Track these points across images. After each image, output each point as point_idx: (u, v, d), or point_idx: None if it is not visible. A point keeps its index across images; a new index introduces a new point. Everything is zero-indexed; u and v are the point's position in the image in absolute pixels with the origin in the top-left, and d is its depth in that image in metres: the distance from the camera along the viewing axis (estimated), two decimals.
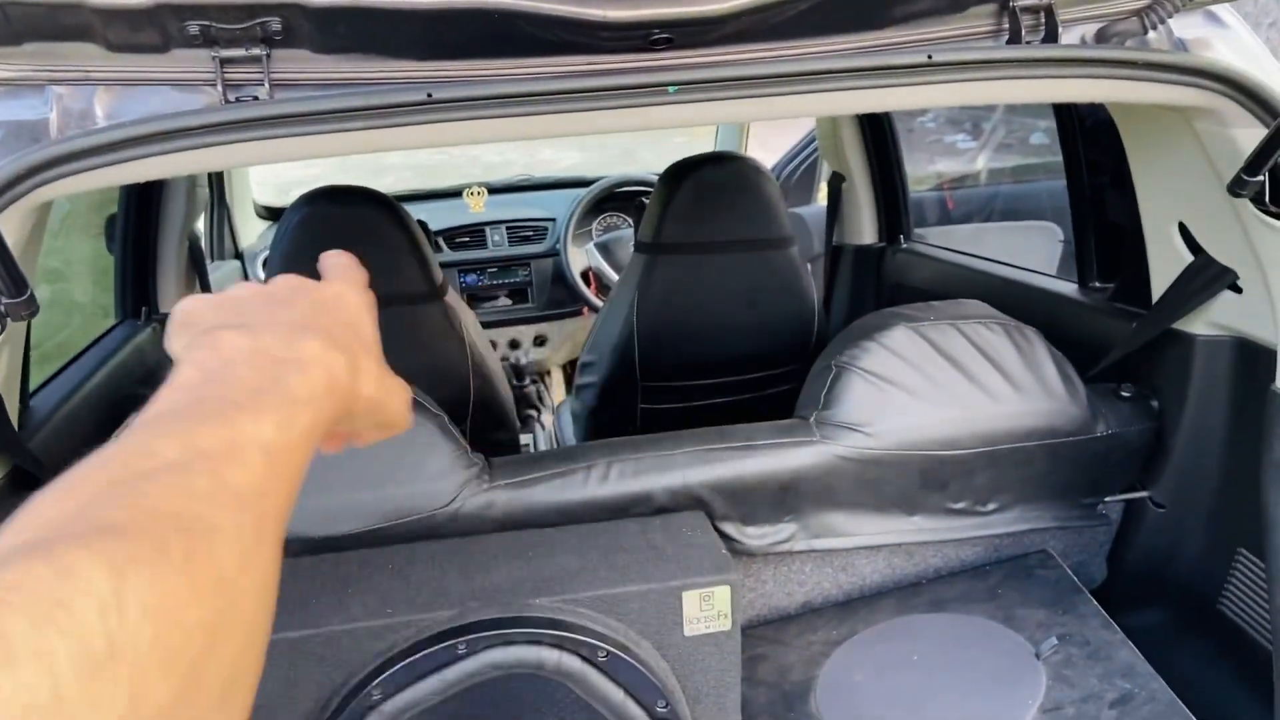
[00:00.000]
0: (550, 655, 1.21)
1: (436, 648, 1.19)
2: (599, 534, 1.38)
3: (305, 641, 1.19)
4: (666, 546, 1.34)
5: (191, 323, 0.53)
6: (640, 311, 2.36)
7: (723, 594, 1.28)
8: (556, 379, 3.79)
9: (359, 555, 1.33)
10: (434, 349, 2.19)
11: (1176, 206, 1.45)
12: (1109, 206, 1.71)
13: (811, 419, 1.50)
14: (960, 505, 1.55)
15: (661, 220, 2.31)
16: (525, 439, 3.31)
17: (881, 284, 2.65)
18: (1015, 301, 1.81)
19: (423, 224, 2.24)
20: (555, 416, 3.13)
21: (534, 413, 3.41)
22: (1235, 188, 1.22)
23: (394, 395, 0.58)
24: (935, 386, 1.49)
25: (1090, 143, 1.76)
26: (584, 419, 2.64)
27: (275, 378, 0.48)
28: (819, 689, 1.43)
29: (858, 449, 1.46)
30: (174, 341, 0.52)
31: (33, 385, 1.70)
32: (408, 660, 1.19)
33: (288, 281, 0.58)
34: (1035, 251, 2.66)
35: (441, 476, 1.38)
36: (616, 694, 1.24)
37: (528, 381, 3.37)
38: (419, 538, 1.36)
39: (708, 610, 1.28)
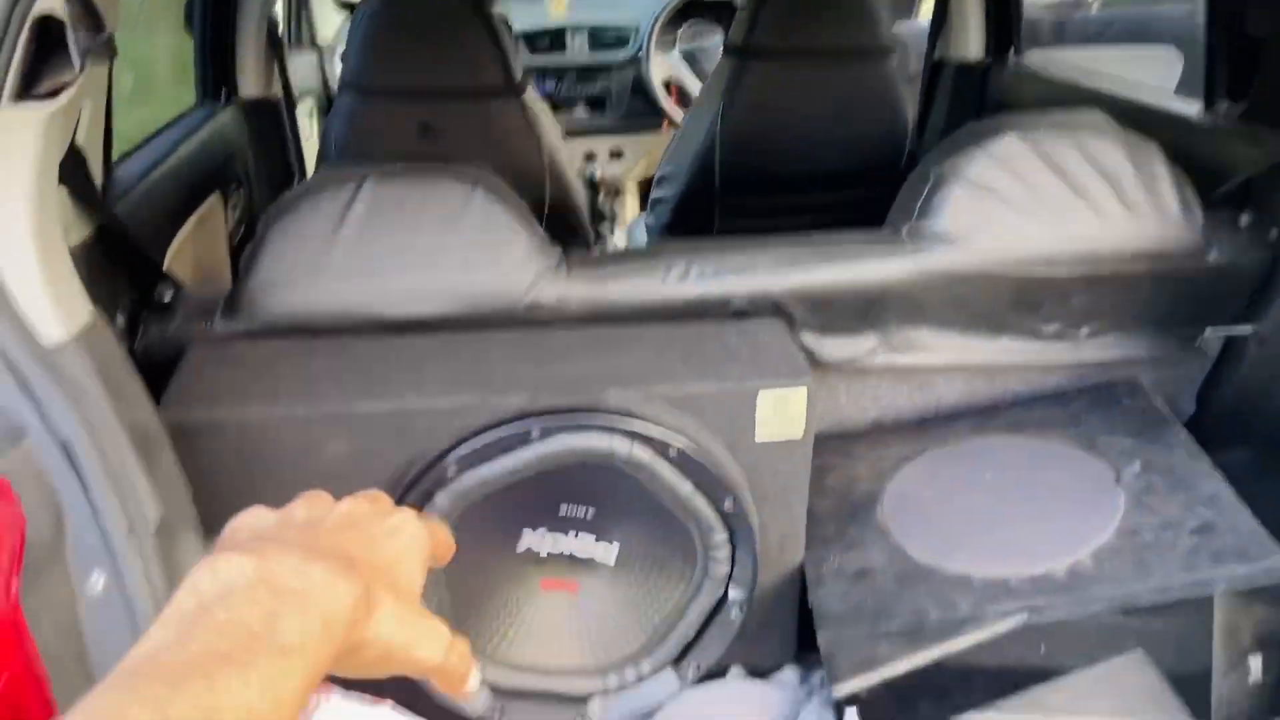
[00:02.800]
0: (621, 445, 1.21)
1: (510, 430, 1.20)
2: (675, 333, 1.35)
3: (381, 416, 1.20)
4: (743, 349, 1.32)
5: (232, 529, 0.52)
6: (725, 119, 2.27)
7: (798, 397, 1.26)
8: (630, 195, 3.72)
9: (437, 338, 1.33)
10: (510, 147, 2.14)
11: None
12: (1249, 16, 1.56)
13: (904, 229, 1.44)
14: (1051, 328, 1.49)
15: (754, 21, 2.19)
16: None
17: (984, 105, 2.51)
18: (1133, 124, 1.69)
19: (504, 19, 2.15)
20: (627, 234, 3.09)
21: (607, 228, 3.37)
22: None
23: (424, 641, 0.50)
24: (1040, 200, 1.40)
25: None
26: (657, 235, 2.60)
27: (270, 616, 0.43)
28: (885, 500, 1.43)
29: (950, 263, 1.40)
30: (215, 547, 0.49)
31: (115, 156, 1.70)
32: (481, 440, 1.20)
33: (358, 505, 0.54)
34: (1153, 77, 2.47)
35: (519, 266, 1.35)
36: (685, 487, 1.25)
37: (600, 196, 3.31)
38: (496, 326, 1.35)
39: (782, 413, 1.27)
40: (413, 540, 0.54)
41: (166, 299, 1.33)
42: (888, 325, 1.45)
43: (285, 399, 1.20)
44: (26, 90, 0.93)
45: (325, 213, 1.33)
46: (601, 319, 1.38)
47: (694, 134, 2.39)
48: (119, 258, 1.31)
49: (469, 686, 0.53)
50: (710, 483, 1.25)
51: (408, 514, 0.55)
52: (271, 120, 2.39)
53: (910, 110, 2.40)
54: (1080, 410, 1.51)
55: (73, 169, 1.14)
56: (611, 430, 1.21)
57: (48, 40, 0.93)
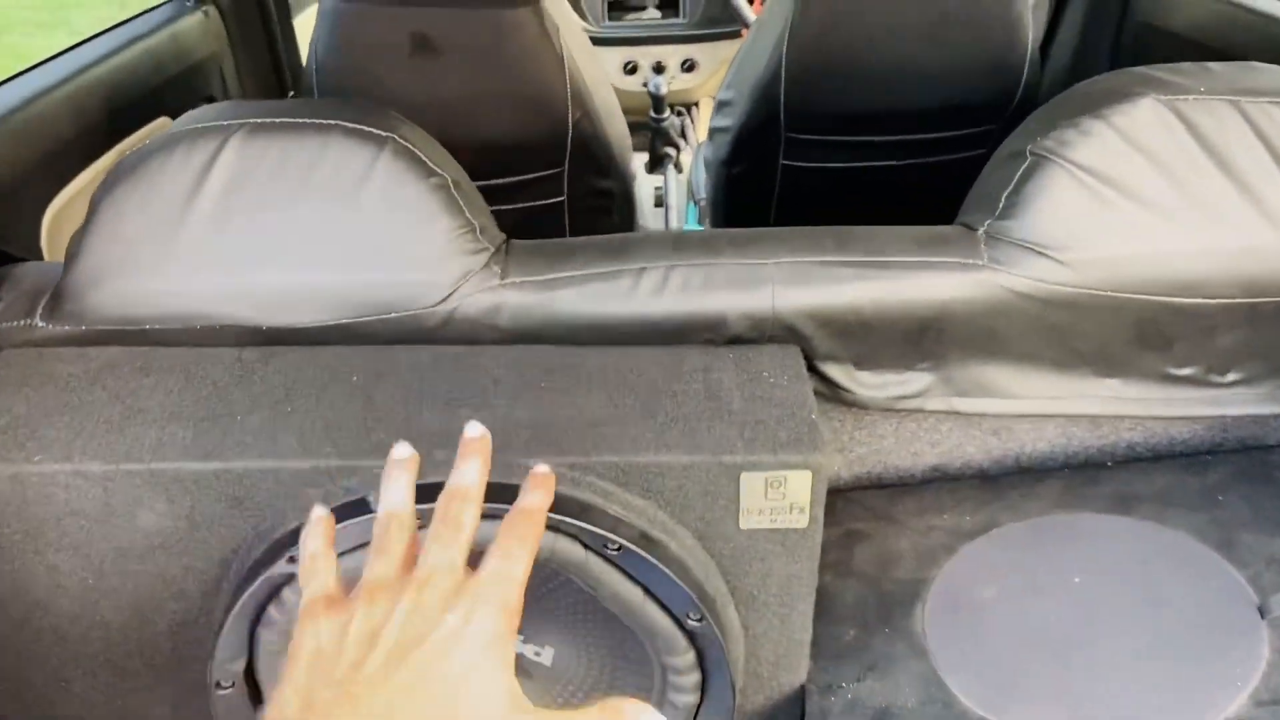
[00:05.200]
0: (542, 537, 0.86)
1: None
2: (642, 365, 0.98)
3: (211, 478, 0.87)
4: (734, 396, 0.94)
5: (288, 682, 0.52)
6: (793, 40, 1.84)
7: (800, 482, 0.88)
8: (705, 112, 3.28)
9: (317, 357, 0.98)
10: (523, 66, 1.76)
11: None
12: None
13: (981, 230, 1.02)
14: (1186, 371, 1.06)
15: None
16: (657, 182, 2.88)
17: (1125, 24, 1.99)
18: None
19: None
20: (695, 159, 2.68)
21: (672, 151, 2.95)
22: None
23: None
24: (1187, 198, 0.96)
25: None
26: (715, 170, 2.19)
27: None
28: (931, 597, 1.04)
29: (1045, 282, 0.98)
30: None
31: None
32: (343, 524, 0.85)
33: (424, 597, 0.55)
34: None
35: (434, 263, 0.99)
36: (633, 594, 0.89)
37: (669, 114, 2.88)
38: (398, 341, 1.00)
39: (776, 500, 0.89)
40: (485, 640, 0.53)
41: None
42: (948, 360, 1.04)
43: (83, 447, 0.88)
44: None
45: (176, 178, 0.98)
46: (545, 338, 1.01)
47: (757, 54, 1.96)
48: None
49: None
50: (668, 589, 0.89)
51: (479, 592, 0.55)
52: (258, 24, 2.04)
53: (1031, 29, 1.91)
54: (1219, 484, 1.08)
55: None
56: None
57: None
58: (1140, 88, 0.99)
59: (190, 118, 1.03)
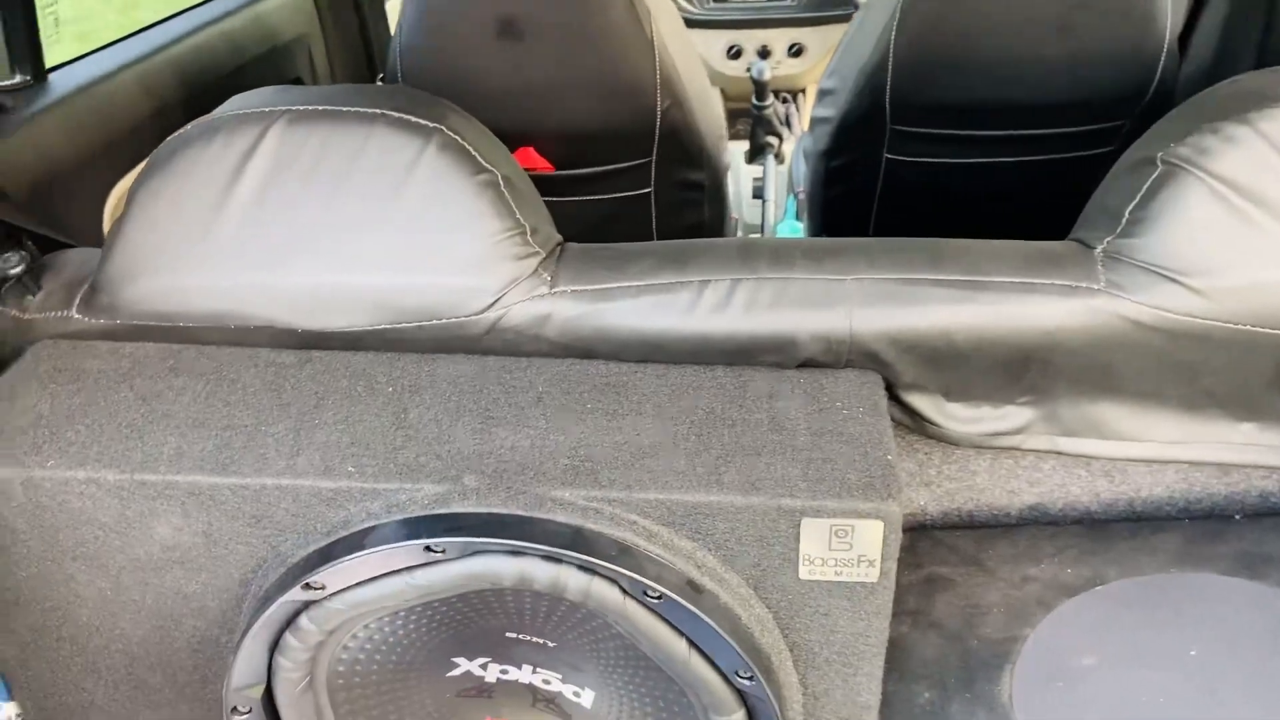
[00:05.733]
0: (575, 580, 0.77)
1: (400, 545, 0.78)
2: (701, 387, 0.88)
3: (228, 493, 0.81)
4: (800, 427, 0.83)
5: None
6: (902, 25, 1.71)
7: (870, 533, 0.77)
8: (811, 100, 3.14)
9: (351, 364, 0.92)
10: (611, 51, 1.68)
11: None
12: None
13: (1099, 248, 0.89)
14: None
15: None
16: (756, 173, 2.76)
17: (1276, 15, 1.79)
18: None
19: None
20: (796, 149, 2.55)
21: (775, 141, 2.82)
22: None
23: None
24: None
25: None
26: (815, 162, 2.07)
27: None
28: (1021, 663, 0.92)
29: (1173, 312, 0.85)
30: None
31: (68, 56, 1.35)
32: (363, 553, 0.78)
33: None
34: None
35: (480, 267, 0.91)
36: (677, 647, 0.80)
37: (771, 101, 2.75)
38: (440, 349, 0.93)
39: (842, 551, 0.78)
40: None
41: (13, 270, 0.97)
42: (1054, 395, 0.92)
43: (99, 453, 0.83)
44: None
45: (212, 170, 0.92)
46: (597, 352, 0.92)
47: (863, 40, 1.83)
48: None
49: None
50: (716, 645, 0.79)
51: None
52: (348, 8, 2.00)
53: (1169, 17, 1.73)
54: None
55: None
56: (558, 559, 0.77)
57: None
58: None
59: (235, 103, 0.97)
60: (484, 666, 0.91)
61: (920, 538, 1.05)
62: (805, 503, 0.77)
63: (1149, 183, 0.86)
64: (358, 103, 0.93)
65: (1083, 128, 1.82)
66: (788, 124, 3.05)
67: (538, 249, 0.92)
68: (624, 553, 0.77)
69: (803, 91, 3.19)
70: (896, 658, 0.94)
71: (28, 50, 1.19)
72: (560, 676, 0.92)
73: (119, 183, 1.28)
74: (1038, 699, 0.89)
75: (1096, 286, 0.86)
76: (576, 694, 0.92)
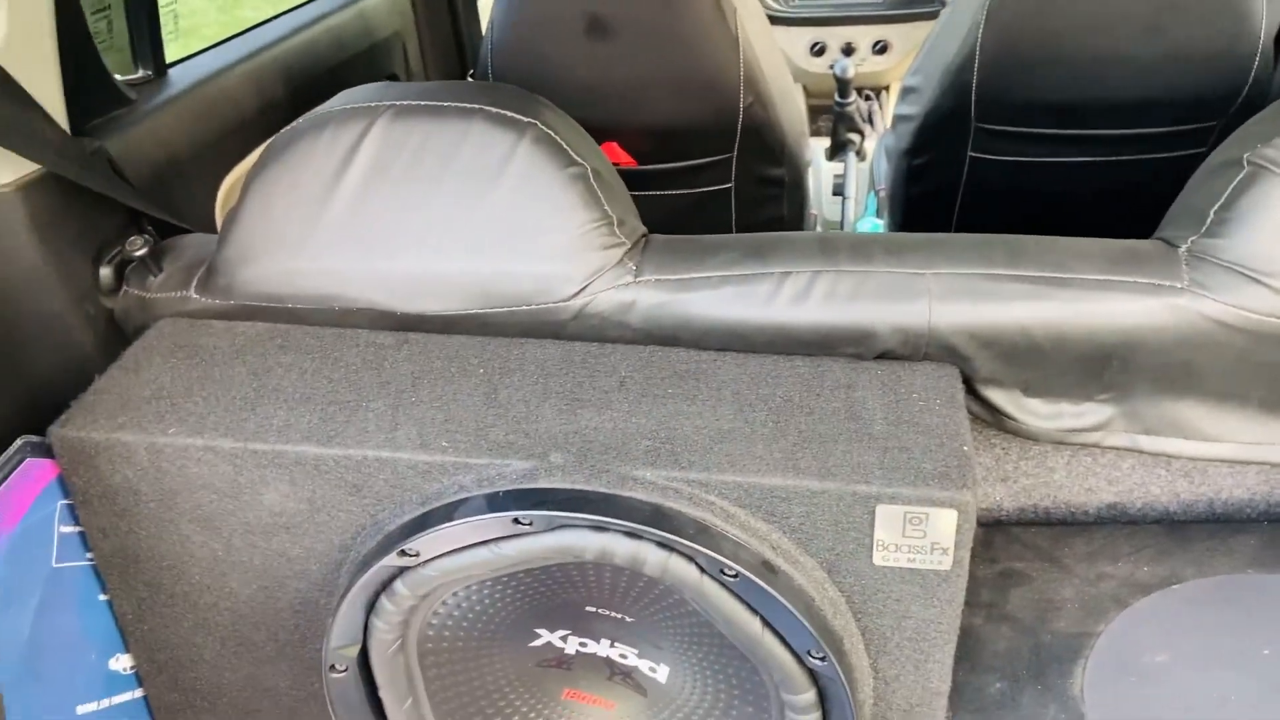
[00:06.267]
0: (653, 555, 0.81)
1: (490, 516, 0.82)
2: (780, 377, 0.91)
3: (332, 464, 0.86)
4: (876, 417, 0.85)
5: None
6: (990, 22, 1.70)
7: (944, 521, 0.79)
8: (894, 98, 3.12)
9: (446, 346, 0.96)
10: (697, 48, 1.71)
11: None
12: None
13: (1184, 247, 0.89)
14: None
15: None
16: (837, 170, 2.76)
17: None
18: None
19: None
20: (877, 147, 2.55)
21: (856, 138, 2.82)
22: None
23: None
24: None
25: None
26: (897, 160, 2.07)
27: None
28: (1093, 658, 0.93)
29: (1257, 313, 0.85)
30: None
31: (186, 52, 1.43)
32: (452, 525, 0.83)
33: None
34: None
35: (569, 255, 0.95)
36: (751, 625, 0.83)
37: (854, 98, 2.75)
38: (529, 333, 0.97)
39: (915, 538, 0.80)
40: None
41: (138, 252, 1.04)
42: (1135, 392, 0.92)
43: (214, 423, 0.89)
44: None
45: (321, 161, 0.98)
46: (678, 340, 0.95)
47: (949, 37, 1.83)
48: (96, 193, 1.04)
49: None
50: (790, 625, 0.82)
51: None
52: (441, 5, 2.06)
53: (1266, 18, 1.70)
54: None
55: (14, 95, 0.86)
56: (638, 535, 0.81)
57: None
58: None
59: (342, 98, 1.03)
60: (564, 639, 0.95)
61: (996, 533, 1.06)
62: (880, 489, 0.79)
63: (1235, 183, 0.86)
64: (457, 98, 0.98)
65: (1173, 128, 1.80)
66: (870, 121, 3.04)
67: (624, 239, 0.96)
68: (702, 531, 0.80)
69: (886, 89, 3.17)
70: (969, 648, 0.95)
71: (150, 46, 1.27)
72: (637, 652, 0.95)
73: (230, 173, 1.36)
74: (1109, 693, 0.90)
75: (1180, 285, 0.86)
76: (652, 669, 0.96)
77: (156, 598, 0.97)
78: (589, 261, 0.94)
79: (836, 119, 2.77)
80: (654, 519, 0.80)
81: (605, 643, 0.95)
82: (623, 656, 0.96)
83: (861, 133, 2.83)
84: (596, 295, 0.95)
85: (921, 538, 0.80)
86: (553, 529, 0.82)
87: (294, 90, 1.56)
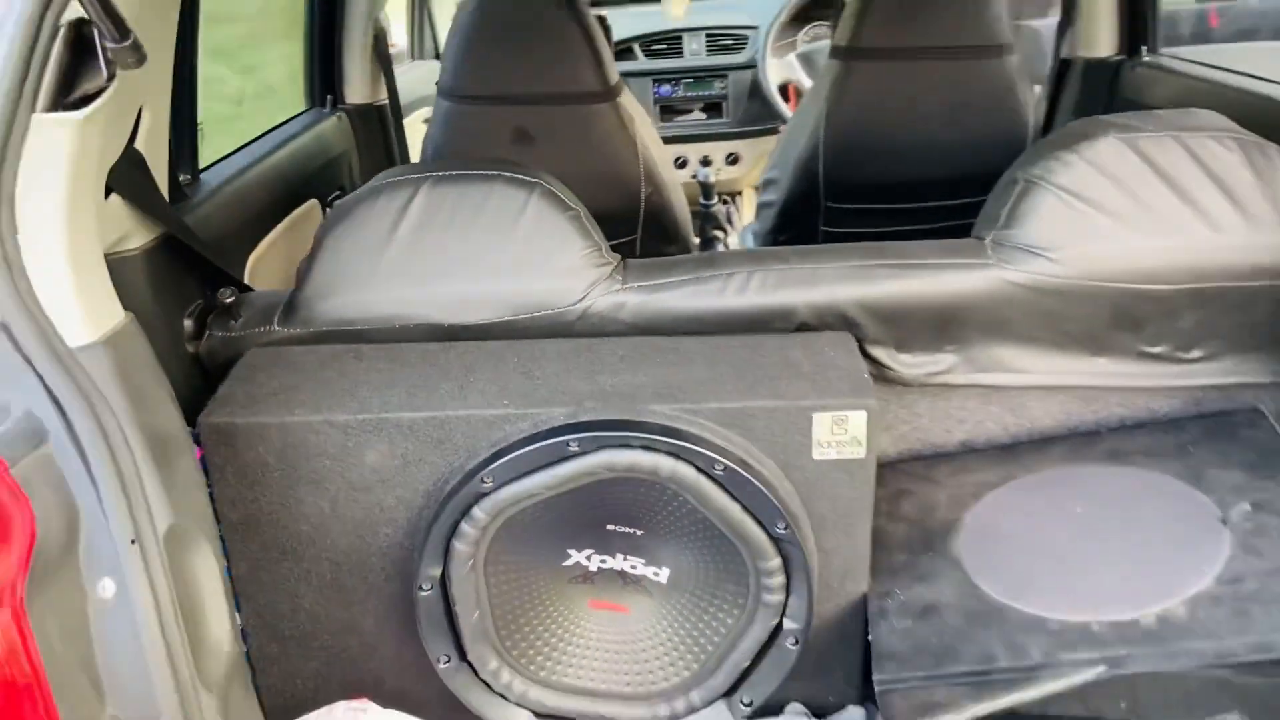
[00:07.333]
0: (665, 463, 1.16)
1: (549, 442, 1.16)
2: (732, 346, 1.29)
3: (422, 424, 1.18)
4: (803, 364, 1.24)
5: None
6: (830, 124, 2.18)
7: (858, 420, 1.17)
8: (748, 200, 3.64)
9: (485, 346, 1.30)
10: (604, 151, 2.10)
11: None
12: None
13: (988, 239, 1.33)
14: (1157, 349, 1.35)
15: (861, 20, 2.09)
16: None
17: (1113, 104, 2.33)
18: (1276, 123, 1.52)
19: (603, 21, 2.12)
20: (740, 241, 3.01)
21: (720, 234, 3.30)
22: None
23: None
24: (1143, 209, 1.27)
25: None
26: (763, 241, 2.52)
27: None
28: (963, 530, 1.32)
29: (1039, 276, 1.29)
30: None
31: (214, 159, 1.75)
32: (520, 452, 1.16)
33: None
34: None
35: (573, 273, 1.31)
36: (733, 508, 1.18)
37: (716, 201, 3.24)
38: (548, 334, 1.32)
39: (840, 435, 1.18)
40: None
41: (228, 301, 1.35)
42: (970, 342, 1.34)
43: (328, 404, 1.19)
44: (60, 100, 0.95)
45: (380, 217, 1.32)
46: (657, 330, 1.32)
47: (798, 137, 2.30)
48: (190, 259, 1.33)
49: None
50: (761, 504, 1.18)
51: None
52: (377, 126, 2.44)
53: (1034, 111, 2.24)
54: (1190, 440, 1.36)
55: (130, 174, 1.16)
56: (653, 448, 1.16)
57: (79, 49, 0.94)
58: (1103, 129, 1.31)
59: (384, 175, 1.38)
60: (588, 557, 1.28)
61: (886, 470, 1.45)
62: (815, 402, 1.17)
63: (1016, 193, 1.31)
64: (480, 169, 1.34)
65: (975, 199, 2.30)
66: (730, 221, 3.54)
67: (610, 260, 1.33)
68: (698, 441, 1.16)
69: (739, 194, 3.69)
70: (879, 539, 1.32)
71: (191, 154, 1.59)
72: (644, 560, 1.28)
73: (256, 248, 1.67)
74: (977, 549, 1.28)
75: (990, 262, 1.30)
76: (656, 573, 1.29)
77: (268, 556, 1.24)
78: (587, 277, 1.31)
79: (703, 219, 3.23)
80: (665, 435, 1.15)
81: (620, 557, 1.28)
82: (633, 567, 1.28)
83: (724, 229, 3.31)
84: (595, 300, 1.31)
85: (845, 434, 1.18)
86: (593, 451, 1.16)
87: (288, 191, 1.89)
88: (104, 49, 0.93)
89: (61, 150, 0.96)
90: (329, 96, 2.31)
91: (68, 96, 0.95)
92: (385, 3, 2.41)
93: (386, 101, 2.47)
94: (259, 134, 2.00)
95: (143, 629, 0.91)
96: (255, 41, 2.26)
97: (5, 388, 0.94)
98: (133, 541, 0.91)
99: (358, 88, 2.35)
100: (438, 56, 3.39)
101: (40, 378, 0.92)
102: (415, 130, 2.62)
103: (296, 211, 1.94)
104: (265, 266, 1.73)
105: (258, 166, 1.81)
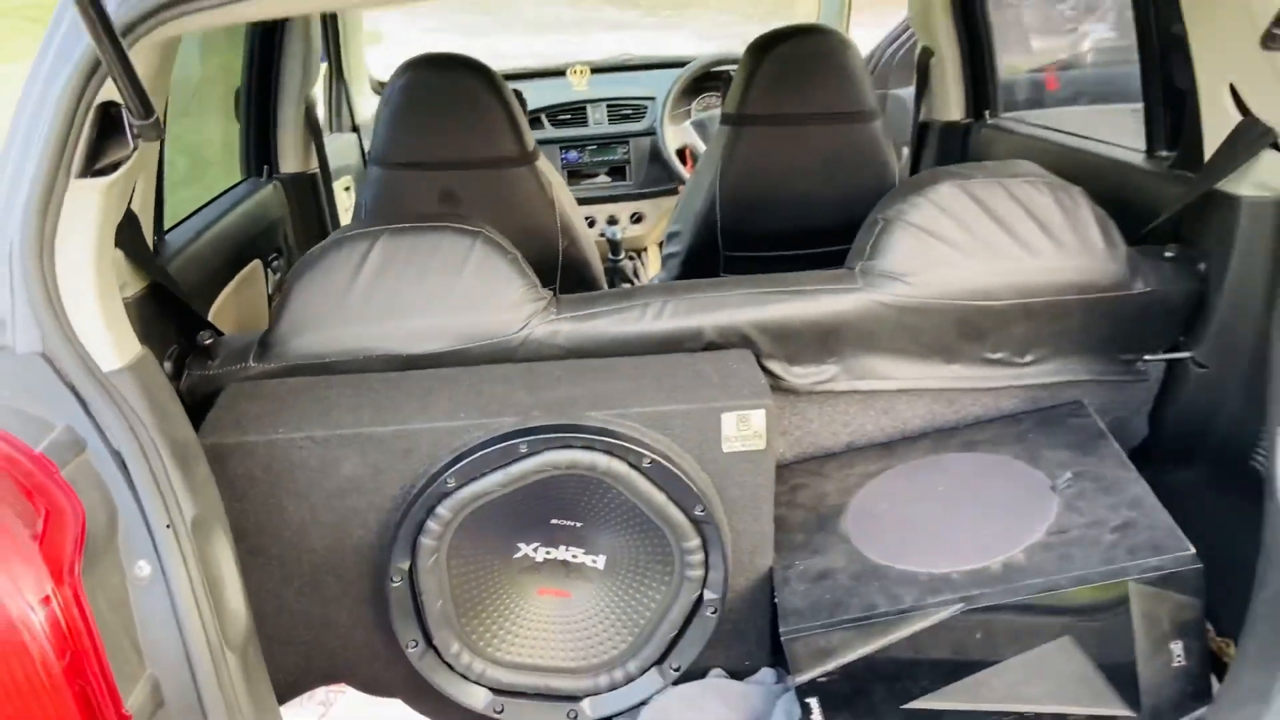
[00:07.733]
0: (601, 459, 1.38)
1: (501, 445, 1.37)
2: (652, 363, 1.53)
3: (391, 437, 1.38)
4: (712, 375, 1.49)
5: None
6: (723, 183, 2.45)
7: (759, 417, 1.42)
8: (653, 255, 3.91)
9: (440, 372, 1.51)
10: (524, 210, 2.33)
11: (1227, 65, 1.48)
12: (1175, 71, 1.73)
13: (857, 268, 1.61)
14: (998, 355, 1.64)
15: (746, 92, 2.38)
16: None
17: (966, 159, 2.68)
18: (1086, 171, 1.85)
19: (518, 94, 2.37)
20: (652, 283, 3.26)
21: (628, 286, 3.56)
22: (1267, 41, 1.26)
23: None
24: (976, 240, 1.57)
25: (1158, 3, 1.77)
26: None
27: None
28: (849, 511, 1.57)
29: (898, 297, 1.57)
30: None
31: (169, 224, 1.93)
32: (476, 455, 1.37)
33: None
34: (1128, 132, 2.63)
35: (513, 307, 1.54)
36: (659, 497, 1.41)
37: (624, 256, 3.51)
38: (493, 360, 1.54)
39: (744, 430, 1.43)
40: None
41: (207, 343, 1.53)
42: (846, 354, 1.61)
43: (306, 424, 1.39)
44: (89, 167, 1.14)
45: (344, 265, 1.53)
46: (587, 353, 1.55)
47: (697, 195, 2.57)
48: (167, 309, 1.52)
49: None
50: (681, 492, 1.41)
51: None
52: (309, 193, 2.64)
53: (898, 167, 2.57)
54: (1028, 429, 1.65)
55: (128, 232, 1.35)
56: (591, 447, 1.38)
57: (106, 123, 1.14)
58: (943, 176, 1.61)
59: (339, 233, 1.59)
60: (535, 549, 1.49)
61: (784, 470, 1.70)
62: (723, 403, 1.41)
63: (877, 230, 1.60)
64: (427, 223, 1.57)
65: (848, 246, 2.60)
66: (636, 275, 3.80)
67: (545, 295, 1.57)
68: (628, 440, 1.39)
69: (645, 250, 3.97)
70: (780, 524, 1.56)
71: (156, 218, 1.78)
72: (583, 550, 1.50)
73: (216, 299, 1.86)
74: (861, 526, 1.54)
75: (859, 287, 1.57)
76: (594, 561, 1.50)
77: (254, 561, 1.42)
78: (526, 310, 1.54)
79: (611, 273, 3.48)
80: (600, 435, 1.38)
81: (563, 548, 1.49)
82: (574, 556, 1.50)
83: (632, 282, 3.56)
84: (534, 330, 1.54)
85: (748, 429, 1.43)
86: (540, 451, 1.38)
87: (236, 251, 2.08)
88: (130, 125, 1.13)
89: (92, 209, 1.15)
90: (265, 166, 2.51)
91: (95, 164, 1.15)
92: (317, 80, 2.63)
93: (318, 170, 2.67)
94: (201, 204, 2.19)
95: (179, 601, 1.09)
96: (188, 115, 2.45)
97: (43, 408, 1.12)
98: (168, 527, 1.09)
99: (291, 159, 2.56)
100: (354, 129, 3.60)
101: (79, 398, 1.11)
102: (339, 197, 2.83)
103: (245, 270, 2.13)
104: (221, 318, 1.91)
105: (211, 230, 2.00)
